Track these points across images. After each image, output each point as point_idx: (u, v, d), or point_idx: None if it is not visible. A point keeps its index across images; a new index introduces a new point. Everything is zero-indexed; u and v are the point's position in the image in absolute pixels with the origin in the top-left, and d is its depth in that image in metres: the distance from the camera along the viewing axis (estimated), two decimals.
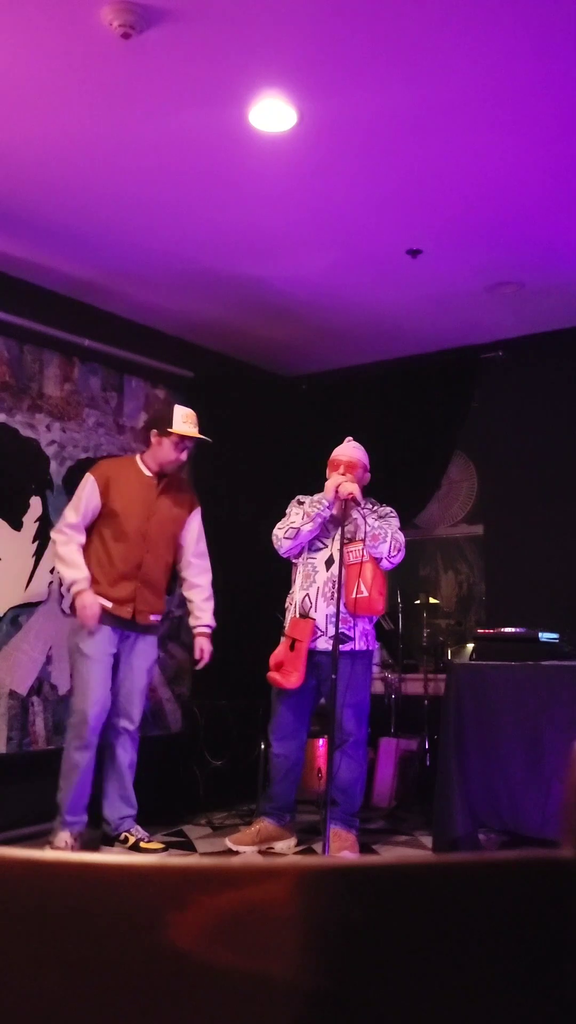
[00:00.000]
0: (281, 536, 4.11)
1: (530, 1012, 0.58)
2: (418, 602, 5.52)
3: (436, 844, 4.10)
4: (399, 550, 4.12)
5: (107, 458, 4.59)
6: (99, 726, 4.03)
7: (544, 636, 4.08)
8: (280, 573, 4.43)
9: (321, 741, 5.11)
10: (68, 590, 4.08)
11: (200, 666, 4.38)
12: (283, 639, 4.12)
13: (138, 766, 4.67)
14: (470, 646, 4.52)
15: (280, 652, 4.09)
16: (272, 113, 3.25)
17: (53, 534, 4.16)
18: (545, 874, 0.59)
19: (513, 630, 4.27)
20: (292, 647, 4.05)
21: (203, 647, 4.32)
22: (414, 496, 5.80)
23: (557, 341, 5.43)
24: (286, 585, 4.34)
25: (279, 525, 4.16)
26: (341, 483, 4.05)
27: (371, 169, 3.64)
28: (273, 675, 4.07)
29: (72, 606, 4.10)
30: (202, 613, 4.36)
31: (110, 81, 3.10)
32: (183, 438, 4.17)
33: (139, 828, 4.19)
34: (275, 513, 4.30)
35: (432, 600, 5.66)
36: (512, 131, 3.38)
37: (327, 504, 4.07)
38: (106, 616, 4.02)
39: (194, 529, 4.35)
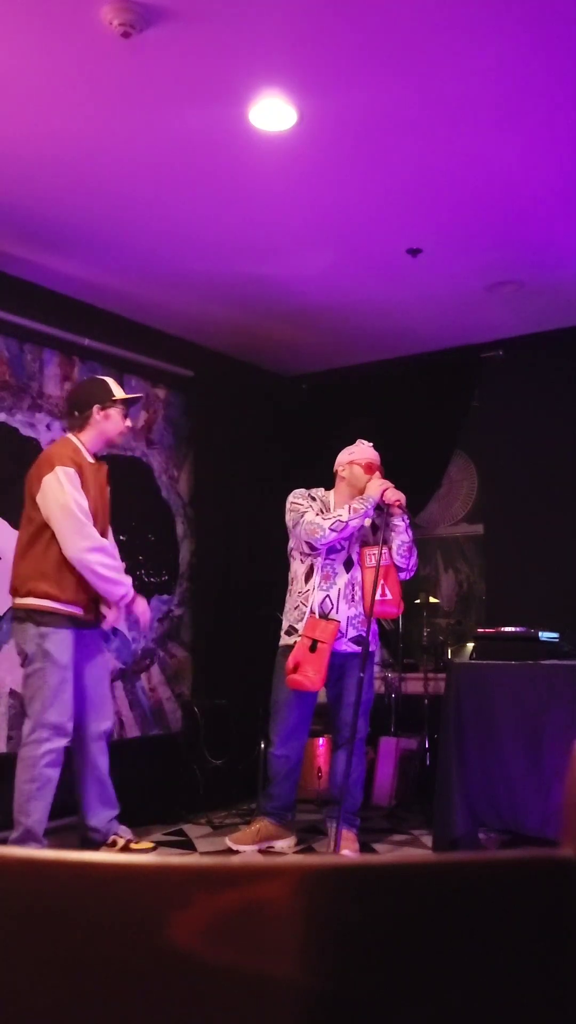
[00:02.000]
0: (327, 527, 4.01)
1: (530, 1011, 0.58)
2: (418, 601, 5.52)
3: (436, 844, 4.10)
4: (417, 565, 4.22)
5: (57, 446, 3.93)
6: (70, 738, 3.80)
7: (544, 636, 4.08)
8: (280, 573, 4.42)
9: (321, 740, 5.11)
10: (122, 602, 3.83)
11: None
12: (300, 639, 4.01)
13: (139, 766, 4.68)
14: (470, 645, 4.52)
15: (299, 653, 3.96)
16: (272, 112, 3.25)
17: (85, 552, 3.71)
18: (545, 874, 0.59)
19: (513, 630, 4.27)
20: (313, 648, 3.96)
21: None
22: (414, 495, 5.79)
23: (557, 341, 5.43)
24: (285, 584, 4.32)
25: (322, 516, 4.06)
26: (389, 488, 4.06)
27: (371, 169, 3.64)
28: (295, 678, 3.95)
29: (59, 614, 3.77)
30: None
31: (110, 80, 3.09)
32: (125, 403, 3.99)
33: (124, 828, 4.03)
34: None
35: (432, 599, 5.66)
36: (512, 131, 3.38)
37: (371, 505, 4.06)
38: (69, 621, 3.75)
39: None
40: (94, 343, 4.93)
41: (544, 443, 5.43)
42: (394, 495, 4.04)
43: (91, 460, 3.89)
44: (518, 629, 4.24)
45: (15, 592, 3.78)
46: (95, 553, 3.72)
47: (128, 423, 4.01)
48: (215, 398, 5.75)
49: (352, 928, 0.58)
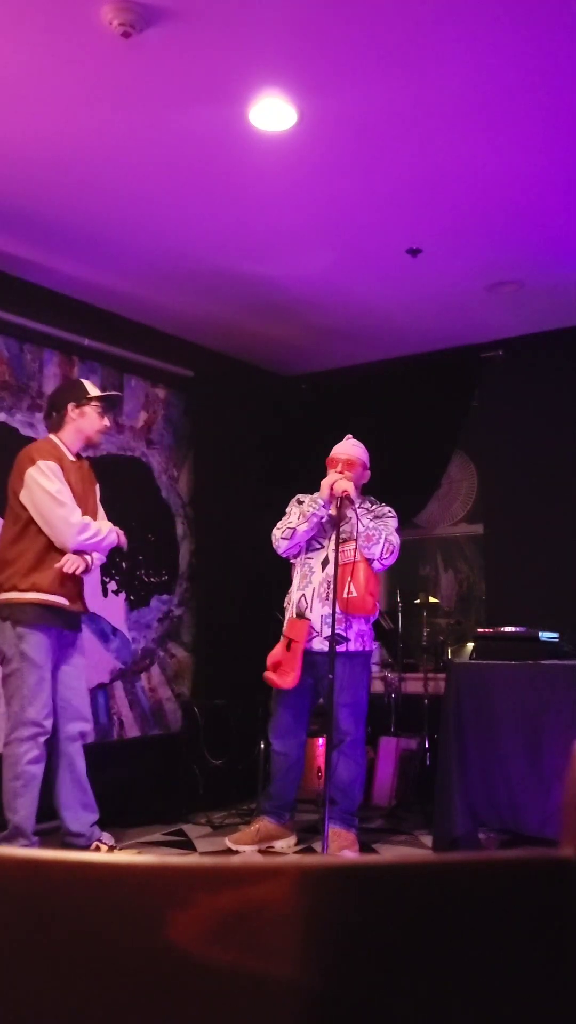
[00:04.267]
0: (279, 536, 4.11)
1: (530, 1012, 0.58)
2: (418, 601, 5.52)
3: (436, 843, 4.10)
4: (392, 552, 4.08)
5: (37, 443, 4.04)
6: (50, 735, 3.82)
7: (544, 636, 4.08)
8: (280, 573, 4.43)
9: (321, 740, 5.11)
10: (116, 542, 3.95)
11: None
12: (281, 639, 4.13)
13: (138, 766, 4.67)
14: (470, 645, 4.52)
15: (277, 652, 4.10)
16: (272, 112, 3.25)
17: (77, 534, 3.77)
18: (545, 874, 0.59)
19: (513, 630, 4.27)
20: (288, 647, 4.05)
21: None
22: (414, 495, 5.80)
23: (557, 341, 5.43)
24: (286, 585, 4.33)
25: (277, 525, 4.16)
26: (336, 481, 4.03)
27: (371, 169, 3.64)
28: (269, 675, 4.09)
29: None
30: None
31: (110, 80, 3.09)
32: (101, 400, 4.03)
33: (107, 835, 4.00)
34: (275, 513, 4.30)
35: (432, 599, 5.66)
36: (512, 130, 3.38)
37: (323, 503, 4.05)
38: (51, 617, 3.77)
39: (98, 501, 4.12)
40: (94, 343, 4.93)
41: (544, 443, 5.43)
42: (339, 488, 3.99)
43: (72, 458, 3.94)
44: (518, 629, 4.24)
45: None
46: (84, 532, 3.78)
47: (106, 422, 4.06)
48: (215, 398, 5.75)
49: (352, 928, 0.58)
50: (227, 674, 5.50)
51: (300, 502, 4.20)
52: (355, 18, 2.77)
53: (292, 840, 4.25)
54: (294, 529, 4.05)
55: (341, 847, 3.96)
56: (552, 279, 4.69)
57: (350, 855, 3.89)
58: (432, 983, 0.58)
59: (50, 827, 4.12)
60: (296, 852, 4.19)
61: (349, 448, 4.24)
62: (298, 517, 4.07)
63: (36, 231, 4.19)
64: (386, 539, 4.06)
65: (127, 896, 0.59)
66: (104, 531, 3.89)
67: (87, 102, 3.22)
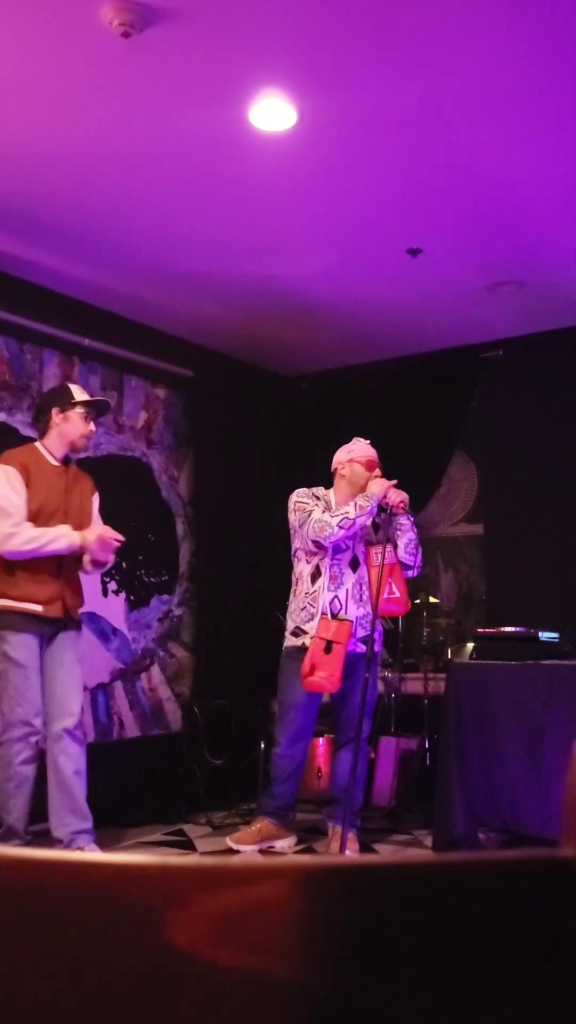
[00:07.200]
0: (335, 525, 4.00)
1: (530, 1012, 0.58)
2: (418, 601, 5.52)
3: (436, 843, 4.10)
4: (422, 562, 4.25)
5: (12, 449, 3.98)
6: (41, 734, 3.80)
7: (544, 636, 4.08)
8: (280, 573, 4.42)
9: (321, 740, 5.11)
10: (72, 547, 3.73)
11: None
12: (314, 641, 3.99)
13: (139, 766, 4.65)
14: (470, 645, 4.52)
15: (315, 655, 3.95)
16: (272, 112, 3.25)
17: (4, 542, 3.68)
18: (545, 874, 0.59)
19: (513, 629, 4.27)
20: (328, 650, 3.95)
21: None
22: (414, 495, 5.77)
23: (557, 340, 5.43)
24: (285, 585, 4.31)
25: (331, 514, 4.04)
26: (391, 488, 4.07)
27: (371, 169, 3.64)
28: (312, 680, 3.94)
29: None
30: None
31: (110, 80, 3.09)
32: (87, 405, 3.94)
33: (94, 845, 3.80)
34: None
35: (432, 599, 5.66)
36: (512, 130, 3.38)
37: (375, 503, 4.06)
38: (30, 621, 3.73)
39: (96, 512, 4.05)
40: (94, 343, 4.93)
41: (544, 443, 5.43)
42: (397, 496, 4.05)
43: (54, 463, 3.88)
44: (518, 629, 4.24)
45: None
46: (14, 538, 3.68)
47: (91, 427, 3.97)
48: (215, 398, 5.75)
49: (352, 928, 0.58)
50: (227, 674, 5.50)
51: (317, 497, 4.19)
52: (355, 18, 2.77)
53: (292, 840, 4.25)
54: (353, 520, 4.01)
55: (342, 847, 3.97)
56: (552, 279, 4.69)
57: (350, 855, 3.89)
58: (432, 983, 0.58)
59: (43, 828, 4.12)
60: (296, 852, 4.19)
61: (373, 451, 4.27)
62: (355, 509, 4.03)
63: (36, 231, 4.19)
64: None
65: (127, 896, 0.59)
66: (48, 537, 3.70)
67: (87, 102, 3.22)
